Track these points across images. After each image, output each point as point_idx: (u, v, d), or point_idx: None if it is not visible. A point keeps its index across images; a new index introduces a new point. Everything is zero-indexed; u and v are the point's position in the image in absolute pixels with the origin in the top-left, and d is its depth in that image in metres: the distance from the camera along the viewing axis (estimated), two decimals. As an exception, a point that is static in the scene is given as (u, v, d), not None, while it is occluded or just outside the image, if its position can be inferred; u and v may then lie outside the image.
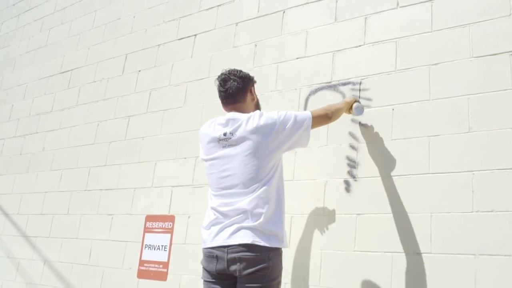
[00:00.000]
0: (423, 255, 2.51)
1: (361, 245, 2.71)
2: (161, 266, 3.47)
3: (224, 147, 2.40)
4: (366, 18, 3.10)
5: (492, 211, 2.39)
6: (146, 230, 3.66)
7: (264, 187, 2.31)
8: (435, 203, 2.54)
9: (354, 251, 2.71)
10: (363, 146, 2.87)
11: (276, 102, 3.29)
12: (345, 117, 2.97)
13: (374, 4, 3.08)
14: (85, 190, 4.20)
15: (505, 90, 2.53)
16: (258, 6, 3.65)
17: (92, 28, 4.91)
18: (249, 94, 2.58)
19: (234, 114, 2.47)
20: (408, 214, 2.60)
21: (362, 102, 2.94)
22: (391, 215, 2.65)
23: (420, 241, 2.53)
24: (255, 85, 2.65)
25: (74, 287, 3.97)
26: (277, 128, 2.39)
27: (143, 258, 3.60)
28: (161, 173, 3.74)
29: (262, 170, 2.34)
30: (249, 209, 2.27)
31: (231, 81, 2.51)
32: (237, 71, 2.57)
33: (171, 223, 3.52)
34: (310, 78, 3.20)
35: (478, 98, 2.58)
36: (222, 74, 2.57)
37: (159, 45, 4.17)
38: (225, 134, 2.41)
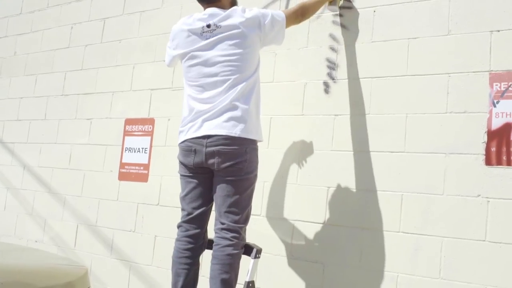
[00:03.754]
0: (397, 153, 2.61)
1: (338, 145, 2.80)
2: (141, 168, 3.54)
3: (207, 38, 2.40)
4: None
5: (464, 112, 2.48)
6: (126, 133, 3.68)
7: (244, 83, 2.36)
8: (411, 104, 2.61)
9: (332, 150, 2.81)
10: (343, 48, 2.87)
11: (258, 2, 3.21)
12: (326, 18, 2.95)
13: None
14: (62, 95, 4.15)
15: (486, -8, 2.53)
16: None
17: None
18: None
19: (214, 9, 2.45)
20: (385, 115, 2.68)
21: (344, 3, 2.91)
22: (369, 115, 2.73)
23: (394, 140, 2.63)
24: None
25: (56, 191, 4.04)
26: (259, 21, 2.43)
27: (123, 161, 3.66)
28: (139, 76, 3.70)
29: (244, 63, 2.37)
30: (231, 103, 2.32)
31: None
32: None
33: (151, 126, 3.55)
34: (292, -21, 3.13)
35: (459, 0, 2.58)
36: None
37: None
38: (208, 26, 2.40)
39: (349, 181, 2.73)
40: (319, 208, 2.79)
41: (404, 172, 2.58)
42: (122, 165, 3.66)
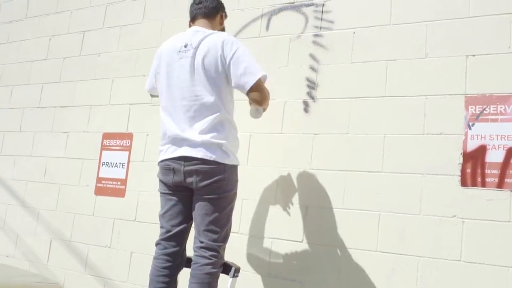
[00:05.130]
0: (375, 173, 2.65)
1: (317, 164, 2.82)
2: (119, 183, 3.50)
3: (181, 58, 2.39)
4: None
5: (441, 133, 2.53)
6: (103, 147, 3.64)
7: (218, 114, 2.33)
8: (389, 125, 2.66)
9: (310, 168, 2.83)
10: (323, 68, 2.91)
11: (238, 21, 3.24)
12: (306, 38, 3.00)
13: None
14: (38, 107, 4.09)
15: (462, 18, 2.60)
16: None
17: None
18: (219, 16, 2.63)
19: (198, 28, 2.46)
20: (363, 135, 2.72)
21: (324, 24, 2.96)
22: (347, 135, 2.76)
23: (372, 160, 2.67)
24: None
25: (29, 204, 3.96)
26: (225, 56, 2.36)
27: (100, 176, 3.62)
28: (118, 90, 3.68)
29: (215, 91, 2.35)
30: (204, 129, 2.31)
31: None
32: None
33: (129, 141, 3.52)
34: (273, -2, 3.17)
35: (436, 25, 2.65)
36: None
37: (115, -44, 3.97)
38: (186, 46, 2.39)
39: (327, 200, 2.75)
40: (297, 227, 2.80)
41: (381, 192, 2.61)
42: (99, 179, 3.61)
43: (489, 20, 2.52)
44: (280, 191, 2.90)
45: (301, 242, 2.78)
